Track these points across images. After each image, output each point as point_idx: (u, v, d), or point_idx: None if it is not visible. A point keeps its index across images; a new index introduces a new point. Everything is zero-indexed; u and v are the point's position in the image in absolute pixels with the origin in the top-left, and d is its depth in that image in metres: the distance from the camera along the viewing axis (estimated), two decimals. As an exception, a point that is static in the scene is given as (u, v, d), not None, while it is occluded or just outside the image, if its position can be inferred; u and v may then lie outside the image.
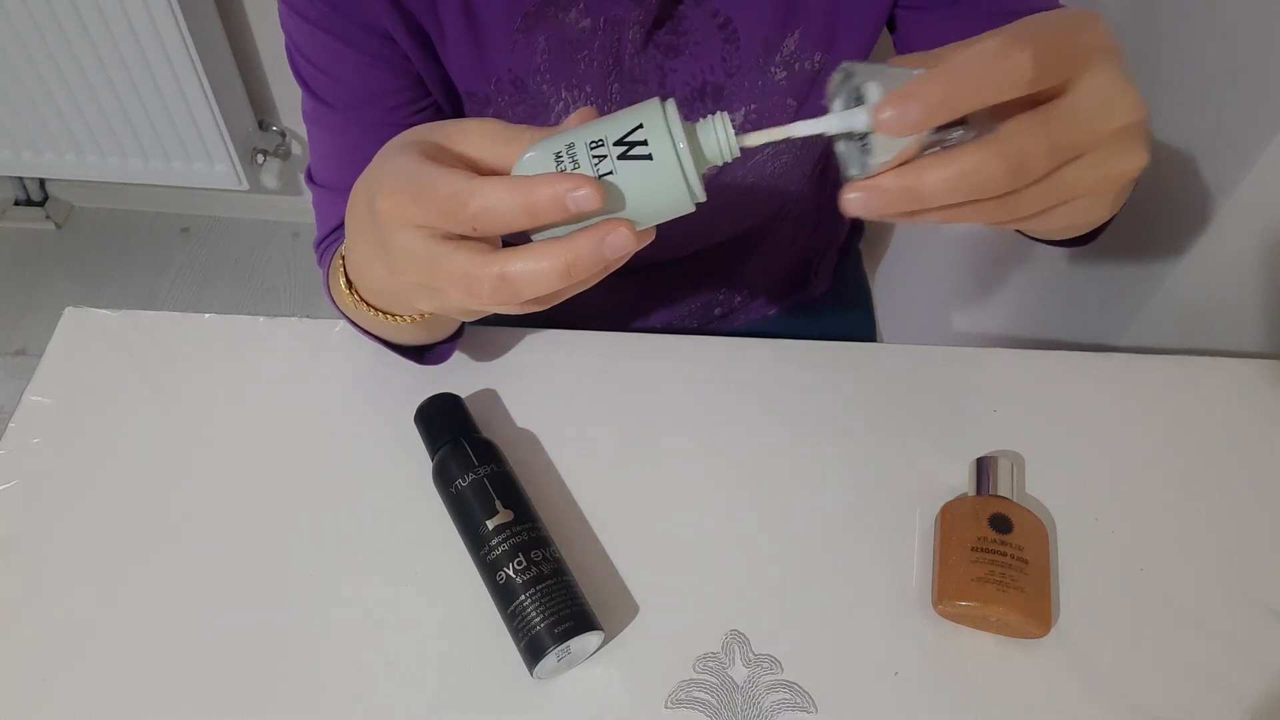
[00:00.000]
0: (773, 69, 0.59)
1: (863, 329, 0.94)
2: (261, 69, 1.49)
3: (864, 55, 0.64)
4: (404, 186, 0.38)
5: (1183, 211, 0.75)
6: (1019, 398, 0.60)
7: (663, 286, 0.79)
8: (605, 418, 0.60)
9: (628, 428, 0.59)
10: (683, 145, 0.35)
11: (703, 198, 0.37)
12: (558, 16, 0.55)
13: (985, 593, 0.48)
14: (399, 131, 0.60)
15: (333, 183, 0.61)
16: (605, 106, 0.60)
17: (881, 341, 0.94)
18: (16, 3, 1.28)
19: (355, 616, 0.51)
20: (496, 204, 0.36)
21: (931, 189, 0.33)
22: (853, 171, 0.35)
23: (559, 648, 0.46)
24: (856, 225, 0.92)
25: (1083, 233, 0.54)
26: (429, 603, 0.52)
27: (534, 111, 0.60)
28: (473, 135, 0.40)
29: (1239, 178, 0.67)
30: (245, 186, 1.54)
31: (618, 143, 0.35)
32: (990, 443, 0.58)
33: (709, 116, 0.37)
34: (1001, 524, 0.50)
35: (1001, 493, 0.52)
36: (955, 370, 0.62)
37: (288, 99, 1.51)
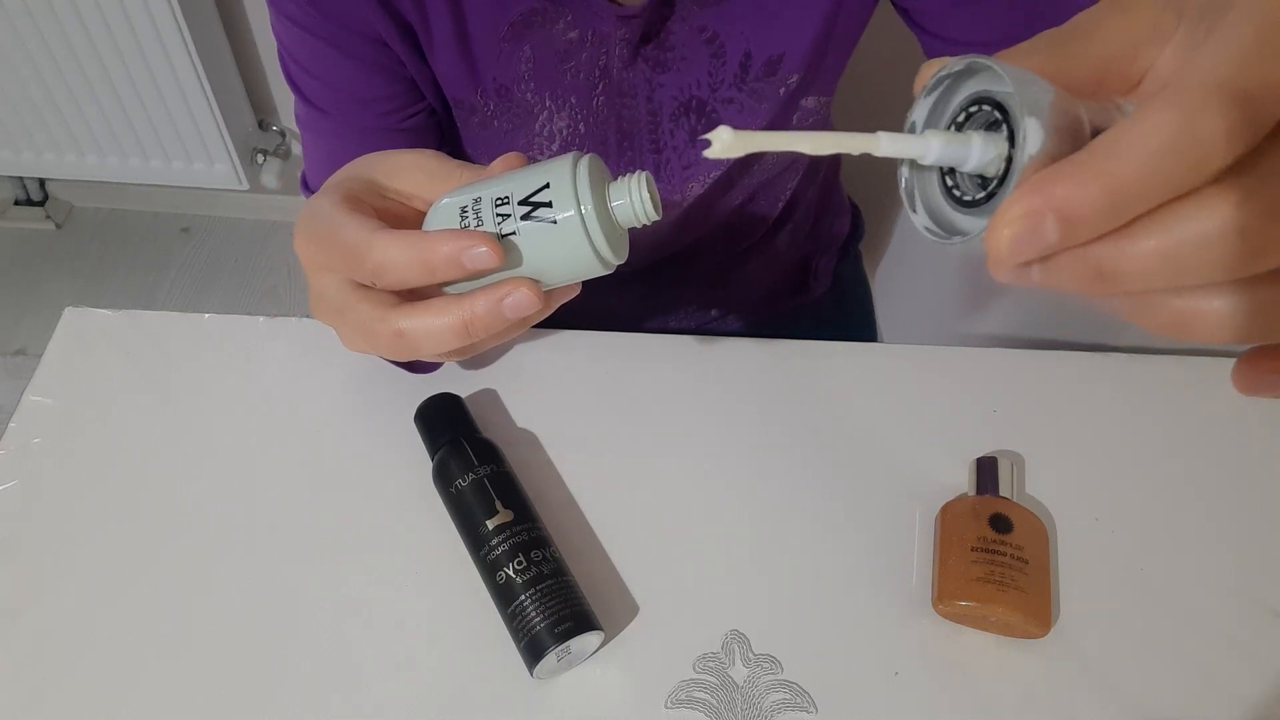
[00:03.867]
0: (760, 86, 0.59)
1: (863, 329, 0.94)
2: (261, 69, 1.49)
3: (839, 71, 0.64)
4: (314, 232, 0.39)
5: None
6: (1019, 398, 0.61)
7: (662, 290, 0.79)
8: (605, 418, 0.60)
9: (628, 428, 0.59)
10: (588, 207, 0.33)
11: (618, 261, 0.35)
12: (545, 26, 0.55)
13: (985, 593, 0.48)
14: (392, 136, 0.60)
15: None
16: (591, 119, 0.60)
17: (881, 341, 0.94)
18: (16, 3, 1.28)
19: (354, 616, 0.51)
20: (393, 260, 0.35)
21: (1132, 266, 0.21)
22: (941, 227, 0.25)
23: (559, 648, 0.46)
24: (856, 225, 0.92)
25: None
26: (429, 603, 0.52)
27: (519, 121, 0.60)
28: (407, 170, 0.40)
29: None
30: (245, 186, 1.54)
31: (523, 202, 0.34)
32: (990, 443, 0.58)
33: (627, 175, 0.34)
34: (1001, 524, 0.50)
35: (1001, 493, 0.52)
36: (955, 370, 0.62)
37: (288, 99, 1.50)
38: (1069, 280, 0.22)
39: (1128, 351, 0.63)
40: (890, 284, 1.16)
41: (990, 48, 0.57)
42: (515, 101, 0.59)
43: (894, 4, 0.60)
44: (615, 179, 0.35)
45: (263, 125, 1.56)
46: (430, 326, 0.36)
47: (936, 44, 0.60)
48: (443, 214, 0.36)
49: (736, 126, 0.25)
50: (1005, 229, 0.21)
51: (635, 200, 0.34)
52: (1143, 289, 0.22)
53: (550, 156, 0.62)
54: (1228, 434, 0.59)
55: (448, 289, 0.37)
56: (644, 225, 0.35)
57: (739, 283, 0.81)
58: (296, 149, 1.60)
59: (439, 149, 0.63)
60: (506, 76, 0.58)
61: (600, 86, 0.58)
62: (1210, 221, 0.20)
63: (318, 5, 0.53)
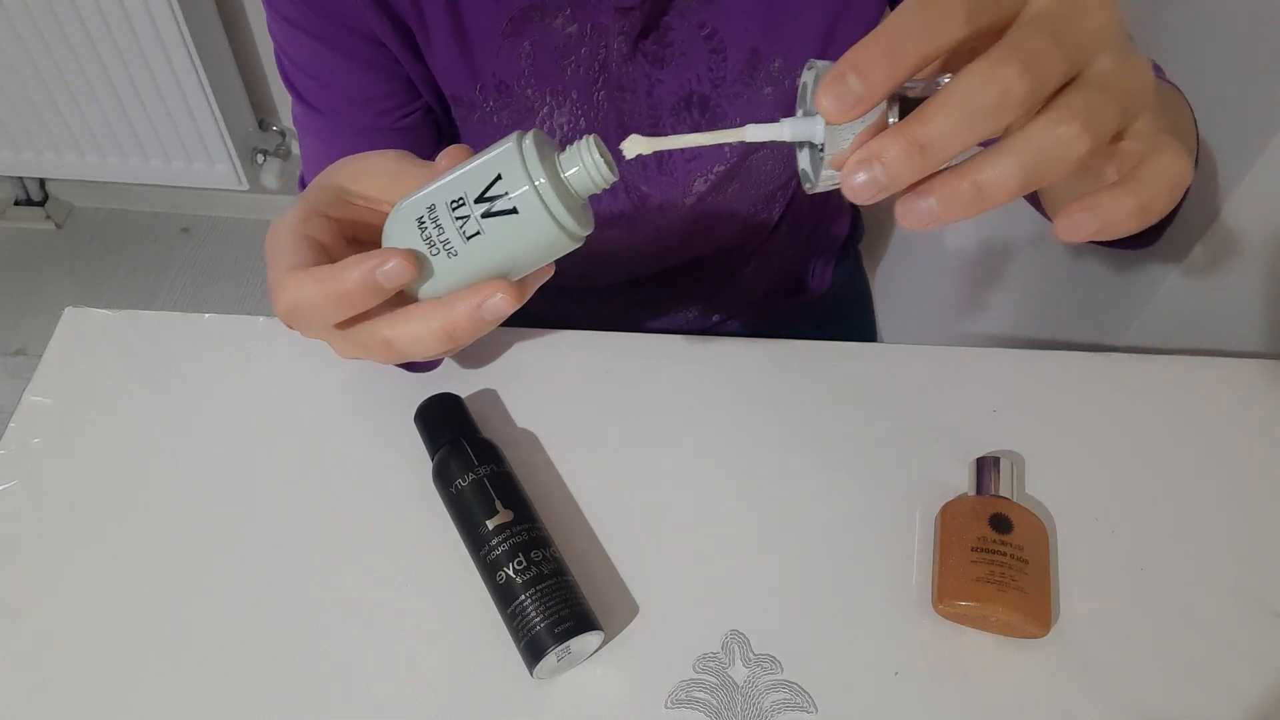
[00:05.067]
0: (759, 82, 0.59)
1: (863, 329, 0.94)
2: (261, 69, 1.49)
3: None
4: (268, 251, 0.39)
5: (1183, 211, 0.75)
6: (1019, 398, 0.60)
7: (662, 294, 0.79)
8: (605, 418, 0.60)
9: (628, 428, 0.59)
10: (542, 182, 0.33)
11: (585, 231, 0.35)
12: (544, 21, 0.55)
13: (985, 593, 0.48)
14: (389, 136, 0.60)
15: None
16: (592, 114, 0.60)
17: (881, 341, 0.94)
18: (16, 3, 1.28)
19: (354, 616, 0.51)
20: (308, 299, 0.36)
21: (945, 129, 0.27)
22: (816, 182, 0.31)
23: (559, 648, 0.46)
24: (855, 226, 0.92)
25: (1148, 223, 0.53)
26: (429, 603, 0.52)
27: (519, 117, 0.60)
28: (370, 174, 0.40)
29: (1239, 178, 0.67)
30: (245, 186, 1.54)
31: (479, 199, 0.34)
32: (990, 443, 0.58)
33: (575, 143, 0.34)
34: (1001, 524, 0.50)
35: (1001, 493, 0.52)
36: (955, 370, 0.62)
37: (288, 99, 1.51)
38: (899, 164, 0.27)
39: (1128, 351, 0.63)
40: (890, 284, 1.16)
41: None
42: (515, 98, 0.59)
43: None
44: (563, 150, 0.35)
45: (263, 125, 1.56)
46: (415, 333, 0.36)
47: None
48: (399, 225, 0.36)
49: (740, 122, 0.28)
50: (822, 99, 0.27)
51: (589, 164, 0.34)
52: (949, 151, 0.27)
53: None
54: (1228, 434, 0.59)
55: (420, 292, 0.37)
56: (602, 188, 0.35)
57: (739, 284, 0.81)
58: (296, 149, 1.60)
59: (436, 148, 0.63)
60: (506, 73, 0.58)
61: (600, 81, 0.58)
62: (977, 79, 0.26)
63: (313, 5, 0.53)
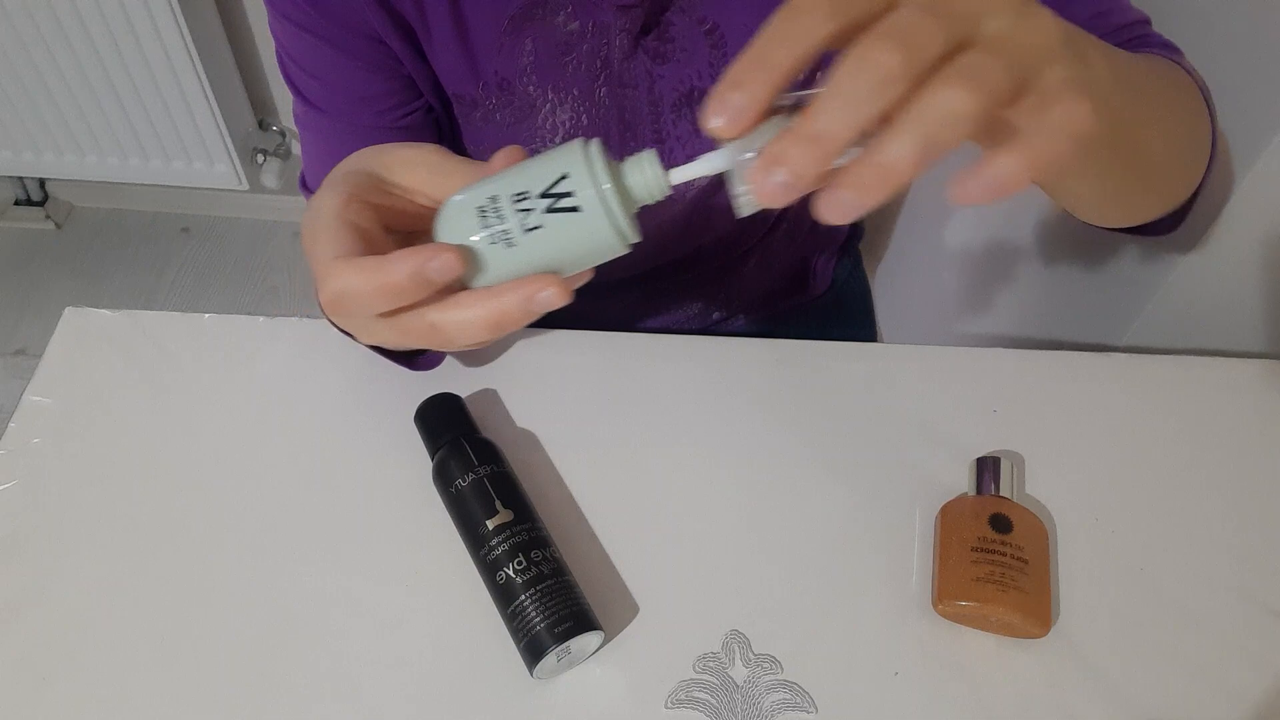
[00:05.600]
0: None
1: (863, 329, 0.94)
2: (261, 69, 1.49)
3: None
4: (309, 238, 0.38)
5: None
6: (1019, 398, 0.60)
7: (662, 294, 0.79)
8: (605, 418, 0.60)
9: (628, 428, 0.59)
10: (607, 187, 0.34)
11: (636, 239, 0.36)
12: (546, 18, 0.55)
13: (985, 593, 0.48)
14: (390, 135, 0.60)
15: None
16: (594, 110, 0.60)
17: (881, 341, 0.94)
18: (16, 3, 1.28)
19: (354, 616, 0.51)
20: (353, 288, 0.35)
21: (830, 118, 0.27)
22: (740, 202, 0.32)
23: (559, 648, 0.46)
24: (856, 225, 0.92)
25: (1148, 214, 0.53)
26: (429, 603, 0.52)
27: (521, 114, 0.60)
28: (410, 166, 0.40)
29: (1239, 178, 0.67)
30: (245, 186, 1.54)
31: (543, 194, 0.34)
32: (990, 443, 0.58)
33: (636, 155, 0.36)
34: (1001, 524, 0.50)
35: (1001, 493, 0.52)
36: (955, 370, 0.62)
37: (288, 99, 1.50)
38: (797, 159, 0.28)
39: (1128, 351, 0.63)
40: (890, 284, 1.16)
41: None
42: (517, 95, 0.59)
43: None
44: (622, 160, 0.36)
45: (263, 125, 1.56)
46: (463, 319, 0.36)
47: None
48: (456, 212, 0.37)
49: None
50: (710, 121, 0.29)
51: (649, 176, 0.35)
52: (842, 137, 0.27)
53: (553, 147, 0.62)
54: (1228, 434, 0.59)
55: (471, 281, 0.37)
56: (656, 199, 0.36)
57: (739, 283, 0.81)
58: (296, 149, 1.60)
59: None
60: (508, 70, 0.58)
61: (601, 78, 0.58)
62: (852, 62, 0.27)
63: (315, 4, 0.53)
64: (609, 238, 0.35)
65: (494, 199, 0.35)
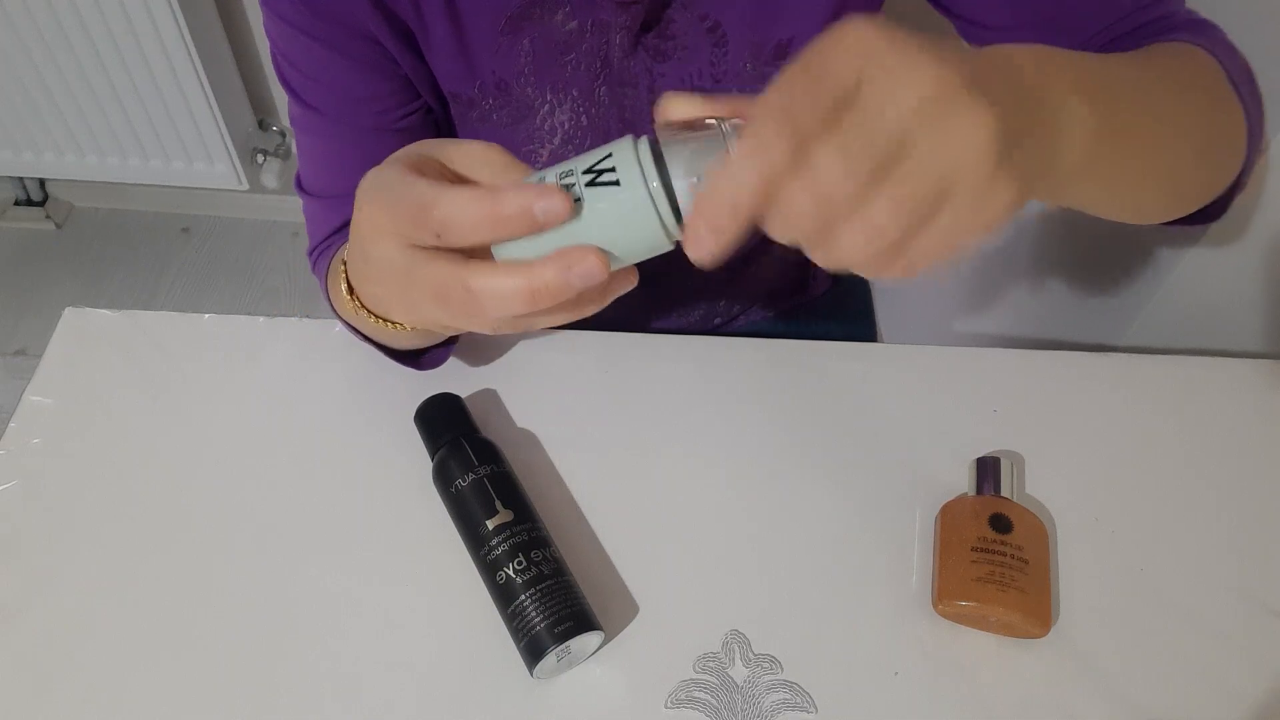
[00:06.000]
0: (770, 71, 0.59)
1: (863, 329, 0.93)
2: (261, 69, 1.49)
3: None
4: (379, 196, 0.39)
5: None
6: (1019, 398, 0.60)
7: (663, 297, 0.79)
8: (605, 418, 0.60)
9: (628, 428, 0.59)
10: (650, 170, 0.34)
11: (678, 236, 0.36)
12: (544, 18, 0.55)
13: (985, 593, 0.48)
14: (388, 136, 0.60)
15: (323, 190, 0.61)
16: (593, 109, 0.60)
17: (881, 341, 0.94)
18: (16, 3, 1.28)
19: (354, 616, 0.51)
20: (461, 211, 0.35)
21: (733, 181, 0.31)
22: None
23: (559, 648, 0.46)
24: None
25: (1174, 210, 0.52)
26: (429, 603, 0.52)
27: (519, 115, 0.60)
28: (474, 161, 0.40)
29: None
30: (245, 186, 1.54)
31: (587, 170, 0.35)
32: (990, 443, 0.58)
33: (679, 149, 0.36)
34: (1001, 524, 0.50)
35: (1002, 493, 0.52)
36: (955, 370, 0.62)
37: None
38: (723, 218, 0.31)
39: (1128, 351, 0.63)
40: (890, 284, 1.16)
41: (1020, 30, 0.55)
42: (514, 96, 0.59)
43: None
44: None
45: (263, 125, 1.56)
46: (499, 287, 0.36)
47: (971, 29, 0.59)
48: None
49: None
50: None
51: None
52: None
53: (553, 150, 0.62)
54: (1228, 434, 0.59)
55: (507, 256, 0.37)
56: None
57: (740, 283, 0.81)
58: (296, 148, 1.60)
59: None
60: (506, 71, 0.57)
61: (601, 77, 0.58)
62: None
63: (310, 4, 0.53)
64: (651, 224, 0.35)
65: (542, 179, 0.36)
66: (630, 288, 0.39)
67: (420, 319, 0.42)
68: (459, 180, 0.40)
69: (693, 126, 0.35)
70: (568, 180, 0.35)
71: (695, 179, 0.34)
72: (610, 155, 0.35)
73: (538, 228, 0.35)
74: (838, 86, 0.30)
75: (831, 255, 0.31)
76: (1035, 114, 0.34)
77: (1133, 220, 0.53)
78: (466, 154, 0.40)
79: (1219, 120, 0.51)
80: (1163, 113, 0.46)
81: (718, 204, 0.31)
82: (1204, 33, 0.54)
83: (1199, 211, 0.55)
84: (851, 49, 0.30)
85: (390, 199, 0.38)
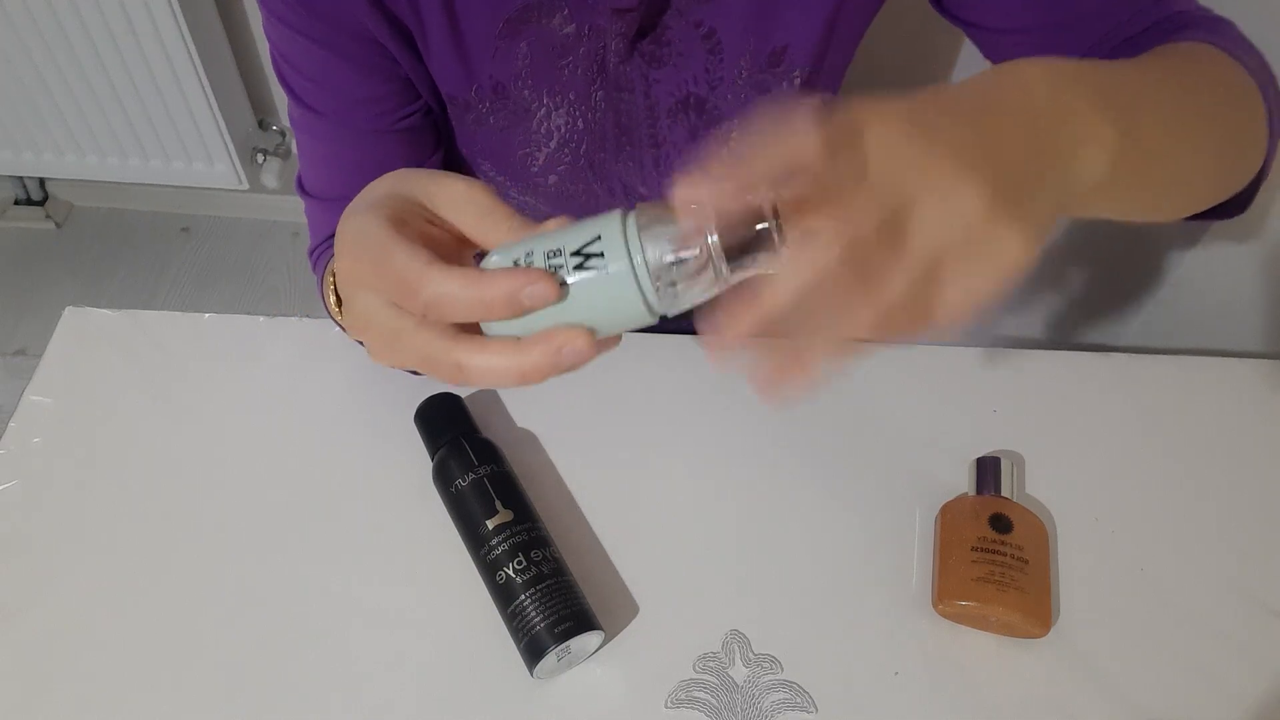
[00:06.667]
0: (764, 79, 0.59)
1: (863, 329, 0.93)
2: (262, 69, 1.49)
3: (844, 68, 0.64)
4: (363, 252, 0.38)
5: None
6: (1019, 398, 0.60)
7: None
8: (605, 418, 0.60)
9: (628, 428, 0.59)
10: (639, 260, 0.34)
11: (665, 311, 0.36)
12: (541, 22, 0.55)
13: (985, 593, 0.48)
14: (388, 137, 0.60)
15: (323, 191, 0.61)
16: (589, 114, 0.60)
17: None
18: (16, 3, 1.28)
19: (354, 616, 0.51)
20: (449, 295, 0.36)
21: (776, 308, 0.32)
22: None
23: (559, 647, 0.46)
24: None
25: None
26: (428, 603, 0.52)
27: (515, 118, 0.60)
28: (458, 203, 0.40)
29: (1239, 178, 0.67)
30: (245, 186, 1.54)
31: (575, 253, 0.35)
32: (990, 443, 0.58)
33: (690, 253, 0.36)
34: (1001, 524, 0.50)
35: (1002, 493, 0.52)
36: (955, 370, 0.62)
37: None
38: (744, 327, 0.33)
39: (1128, 351, 0.63)
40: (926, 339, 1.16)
41: (1029, 33, 0.55)
42: (511, 99, 0.59)
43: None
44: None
45: (263, 125, 1.56)
46: (491, 366, 0.36)
47: (980, 34, 0.59)
48: (494, 264, 0.37)
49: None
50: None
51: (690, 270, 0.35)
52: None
53: (549, 153, 0.62)
54: (1228, 434, 0.59)
55: (496, 331, 0.38)
56: (699, 301, 0.36)
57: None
58: (296, 149, 1.60)
59: (436, 149, 0.63)
60: (503, 74, 0.57)
61: (598, 82, 0.58)
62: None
63: (309, 6, 0.53)
64: (636, 307, 0.35)
65: (529, 254, 0.36)
66: (614, 348, 0.40)
67: (391, 364, 0.42)
68: (447, 227, 0.40)
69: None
70: (555, 261, 0.35)
71: (676, 258, 0.34)
72: (599, 238, 0.35)
73: (524, 311, 0.35)
74: (853, 163, 0.31)
75: (844, 325, 0.32)
76: (1052, 146, 0.34)
77: (1152, 220, 0.52)
78: (450, 194, 0.40)
79: (1238, 117, 0.50)
80: (1182, 117, 0.45)
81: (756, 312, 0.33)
82: (1217, 29, 0.53)
83: (1220, 206, 0.54)
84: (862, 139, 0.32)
85: (375, 260, 0.38)
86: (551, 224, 0.38)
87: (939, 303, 0.32)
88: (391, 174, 0.42)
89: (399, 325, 0.38)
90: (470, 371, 0.37)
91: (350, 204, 0.42)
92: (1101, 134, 0.36)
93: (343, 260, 0.40)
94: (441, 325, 0.38)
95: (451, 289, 0.36)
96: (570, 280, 0.35)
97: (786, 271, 0.31)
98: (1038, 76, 0.35)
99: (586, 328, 0.36)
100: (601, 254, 0.34)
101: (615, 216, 0.35)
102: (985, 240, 0.31)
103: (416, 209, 0.40)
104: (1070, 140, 0.35)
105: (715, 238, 0.33)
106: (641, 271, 0.34)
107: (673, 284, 0.35)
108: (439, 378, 0.38)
